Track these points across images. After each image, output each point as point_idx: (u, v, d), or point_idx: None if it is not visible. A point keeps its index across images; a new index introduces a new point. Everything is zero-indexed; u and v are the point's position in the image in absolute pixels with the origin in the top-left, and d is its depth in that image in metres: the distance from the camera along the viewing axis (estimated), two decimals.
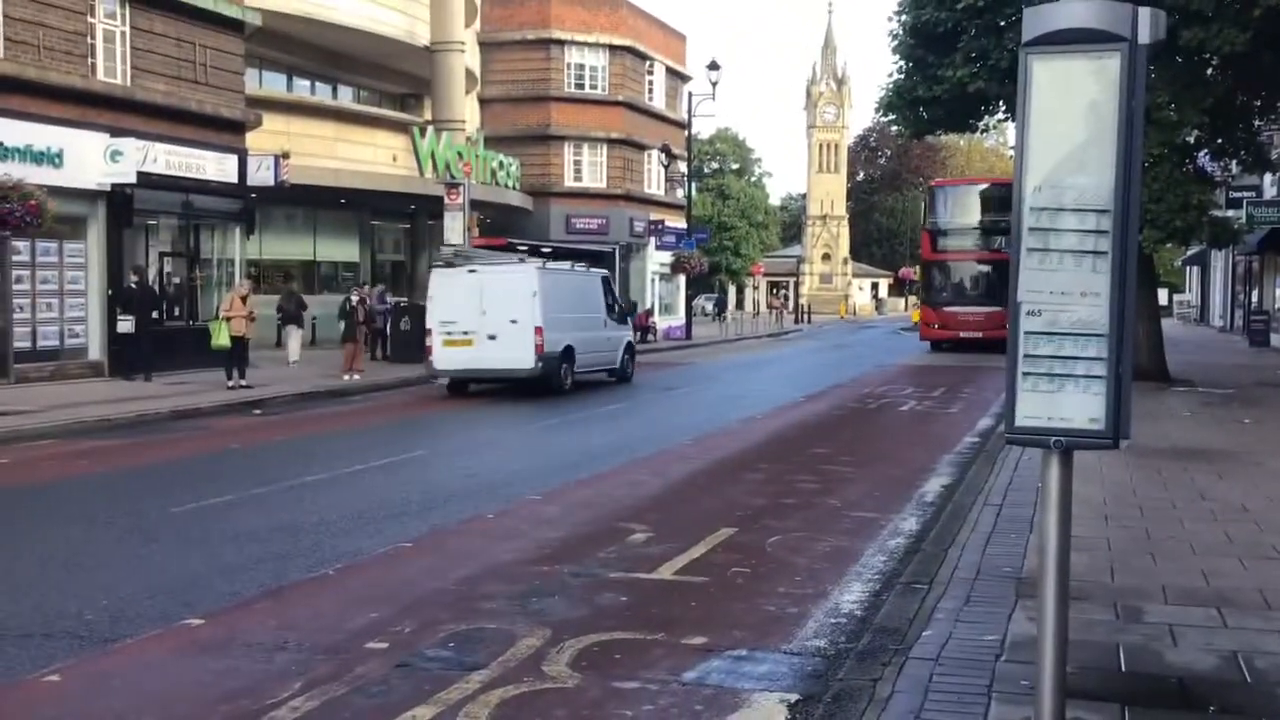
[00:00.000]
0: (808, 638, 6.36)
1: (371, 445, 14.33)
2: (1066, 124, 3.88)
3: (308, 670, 5.82)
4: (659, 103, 51.57)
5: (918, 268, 37.17)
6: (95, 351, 22.18)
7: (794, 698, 5.42)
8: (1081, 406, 3.87)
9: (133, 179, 21.55)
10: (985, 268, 34.95)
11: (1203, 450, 12.43)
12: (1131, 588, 6.75)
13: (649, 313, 41.88)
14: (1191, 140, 19.91)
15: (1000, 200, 33.59)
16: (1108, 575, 7.05)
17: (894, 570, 7.77)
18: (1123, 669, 5.37)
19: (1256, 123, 21.73)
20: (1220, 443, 13.10)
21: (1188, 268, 66.05)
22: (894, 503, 10.39)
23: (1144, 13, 3.82)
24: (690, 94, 46.29)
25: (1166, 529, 8.38)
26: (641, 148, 49.45)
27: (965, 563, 7.47)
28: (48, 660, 5.99)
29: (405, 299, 31.03)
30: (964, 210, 36.02)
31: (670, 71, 52.81)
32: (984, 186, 37.40)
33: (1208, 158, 22.49)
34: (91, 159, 21.21)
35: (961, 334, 34.04)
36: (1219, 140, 20.74)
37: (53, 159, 20.40)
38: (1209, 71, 19.44)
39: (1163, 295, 51.36)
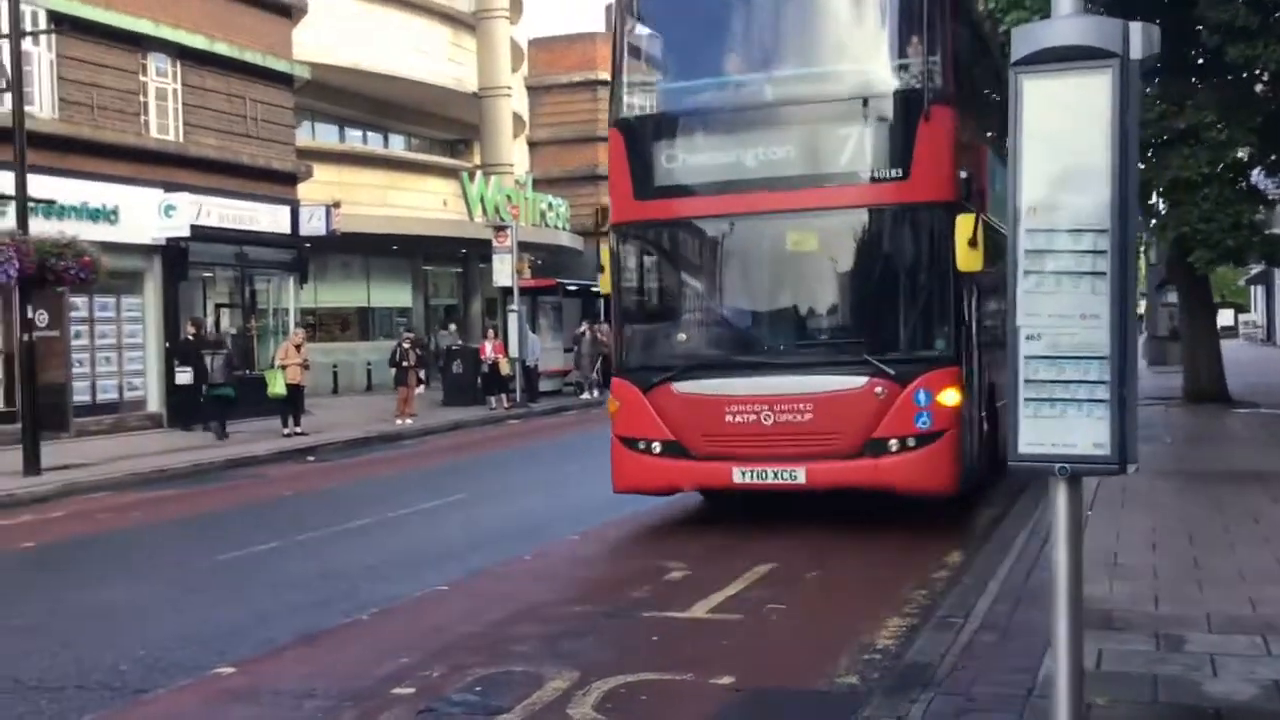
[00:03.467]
0: (839, 674, 6.24)
1: (417, 489, 14.38)
2: (1059, 143, 3.81)
3: (333, 717, 5.81)
4: None
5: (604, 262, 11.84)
6: (154, 403, 22.52)
7: None
8: (1085, 431, 3.76)
9: (187, 233, 21.92)
10: (817, 244, 10.49)
11: (1259, 472, 12.09)
12: (1175, 616, 6.55)
13: None
14: (1244, 157, 19.51)
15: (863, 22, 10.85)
16: (1151, 604, 6.85)
17: (931, 604, 7.62)
18: (1158, 700, 5.21)
19: None
20: (1278, 465, 12.75)
21: (1251, 287, 64.73)
22: (937, 534, 10.20)
23: (1135, 27, 3.74)
24: None
25: (1215, 555, 8.14)
26: None
27: (1005, 595, 7.30)
28: (78, 712, 6.03)
29: (461, 342, 31.18)
30: (734, 46, 10.96)
31: None
32: None
33: (1262, 175, 22.03)
34: (146, 214, 21.56)
35: (739, 471, 9.88)
36: (1272, 157, 20.31)
37: (108, 215, 20.79)
38: (1258, 88, 19.07)
39: (1229, 315, 50.34)
